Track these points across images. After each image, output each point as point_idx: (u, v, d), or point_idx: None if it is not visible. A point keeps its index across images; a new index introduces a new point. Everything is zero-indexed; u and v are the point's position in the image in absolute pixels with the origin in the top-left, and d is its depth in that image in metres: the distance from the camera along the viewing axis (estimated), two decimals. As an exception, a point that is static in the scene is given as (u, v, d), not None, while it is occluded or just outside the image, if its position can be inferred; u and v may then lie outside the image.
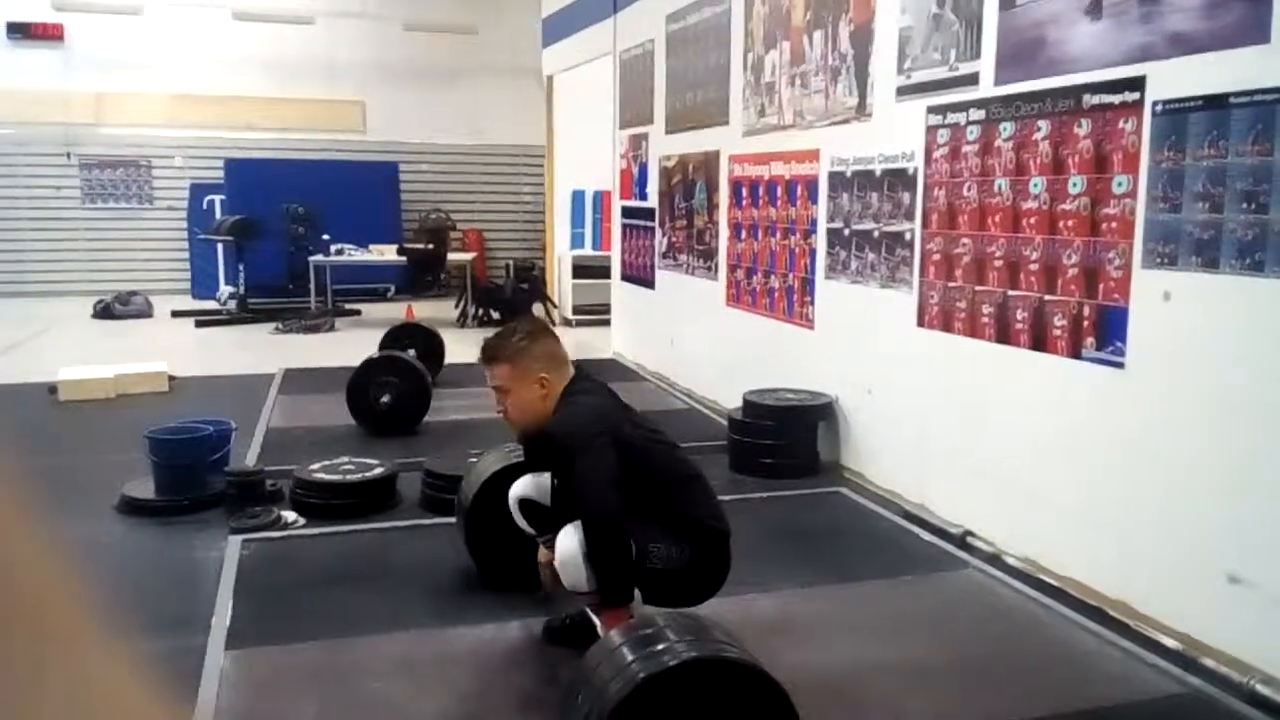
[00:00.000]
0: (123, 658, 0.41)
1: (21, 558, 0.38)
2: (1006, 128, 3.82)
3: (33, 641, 0.37)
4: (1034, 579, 3.63)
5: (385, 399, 5.62)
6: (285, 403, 6.55)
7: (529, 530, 3.07)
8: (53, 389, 6.52)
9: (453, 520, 4.14)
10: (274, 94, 13.24)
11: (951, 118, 4.13)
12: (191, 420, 4.71)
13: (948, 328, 4.20)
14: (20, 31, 12.50)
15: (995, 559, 3.83)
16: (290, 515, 4.18)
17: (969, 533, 4.04)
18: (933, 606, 3.50)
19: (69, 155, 12.90)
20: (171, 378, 6.97)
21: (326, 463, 4.51)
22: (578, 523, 2.74)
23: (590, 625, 3.03)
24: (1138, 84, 3.21)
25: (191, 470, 4.37)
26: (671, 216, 7.36)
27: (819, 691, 2.87)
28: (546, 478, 3.01)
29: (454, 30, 13.73)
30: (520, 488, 3.08)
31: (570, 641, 3.07)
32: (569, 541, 2.73)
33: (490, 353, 2.95)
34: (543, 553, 3.04)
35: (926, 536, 4.11)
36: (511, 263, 12.27)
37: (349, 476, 4.37)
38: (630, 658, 2.11)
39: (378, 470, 4.43)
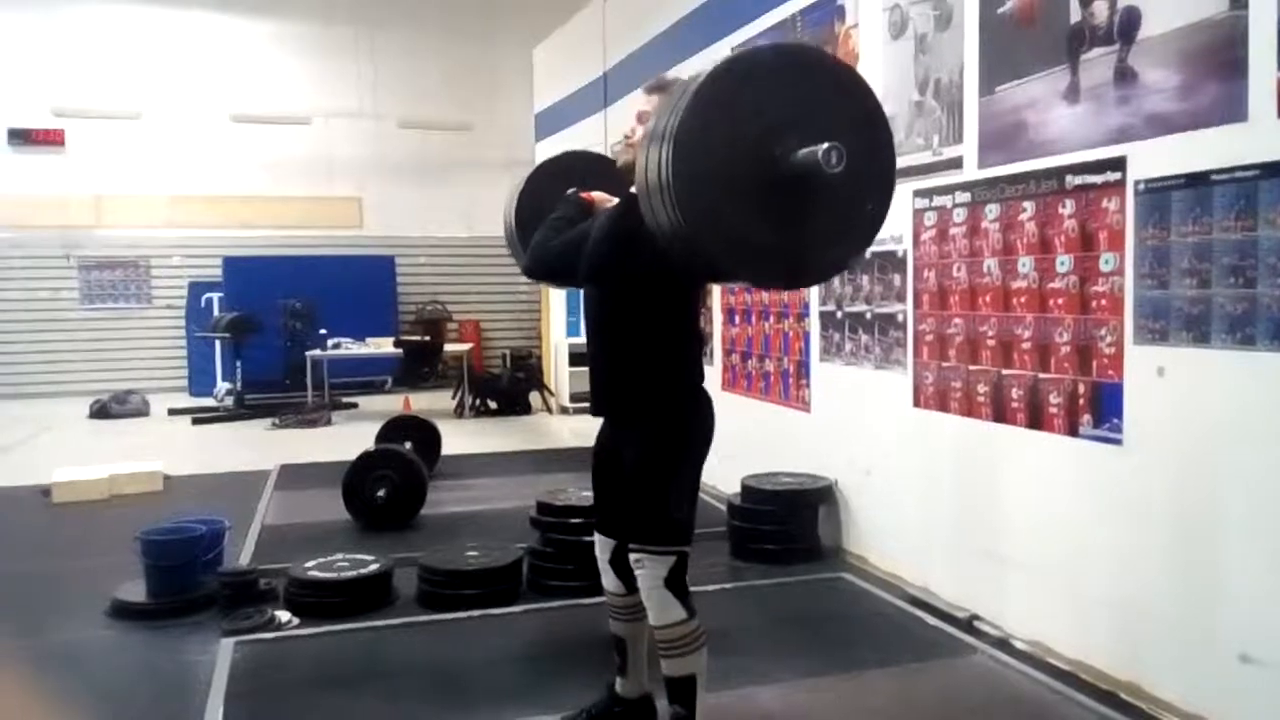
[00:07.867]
0: None
1: None
2: (992, 209, 3.86)
3: None
4: (1043, 663, 3.55)
5: (381, 493, 5.57)
6: (281, 499, 6.49)
7: (617, 586, 2.94)
8: (46, 491, 6.46)
9: (451, 616, 4.09)
10: (272, 193, 13.46)
11: (938, 200, 4.18)
12: (185, 519, 4.65)
13: (944, 407, 4.19)
14: (21, 137, 12.77)
15: (1003, 643, 3.75)
16: (284, 615, 4.10)
17: (975, 616, 3.97)
18: (940, 695, 3.40)
19: (68, 257, 13.04)
20: (166, 477, 6.93)
21: (321, 560, 4.44)
22: (642, 565, 2.65)
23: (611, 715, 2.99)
24: (1119, 164, 3.26)
25: (184, 571, 4.30)
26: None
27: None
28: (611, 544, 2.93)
29: (449, 127, 14.02)
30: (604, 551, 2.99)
31: None
32: (648, 580, 2.65)
33: (661, 83, 2.88)
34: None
35: (932, 621, 4.03)
36: (508, 352, 12.34)
37: (344, 574, 4.30)
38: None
39: (373, 567, 4.36)
